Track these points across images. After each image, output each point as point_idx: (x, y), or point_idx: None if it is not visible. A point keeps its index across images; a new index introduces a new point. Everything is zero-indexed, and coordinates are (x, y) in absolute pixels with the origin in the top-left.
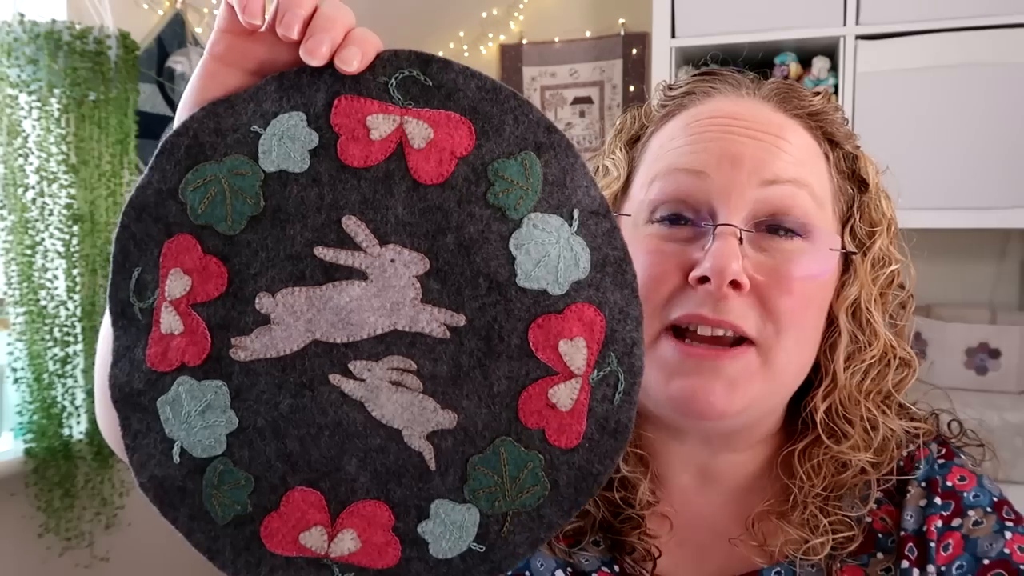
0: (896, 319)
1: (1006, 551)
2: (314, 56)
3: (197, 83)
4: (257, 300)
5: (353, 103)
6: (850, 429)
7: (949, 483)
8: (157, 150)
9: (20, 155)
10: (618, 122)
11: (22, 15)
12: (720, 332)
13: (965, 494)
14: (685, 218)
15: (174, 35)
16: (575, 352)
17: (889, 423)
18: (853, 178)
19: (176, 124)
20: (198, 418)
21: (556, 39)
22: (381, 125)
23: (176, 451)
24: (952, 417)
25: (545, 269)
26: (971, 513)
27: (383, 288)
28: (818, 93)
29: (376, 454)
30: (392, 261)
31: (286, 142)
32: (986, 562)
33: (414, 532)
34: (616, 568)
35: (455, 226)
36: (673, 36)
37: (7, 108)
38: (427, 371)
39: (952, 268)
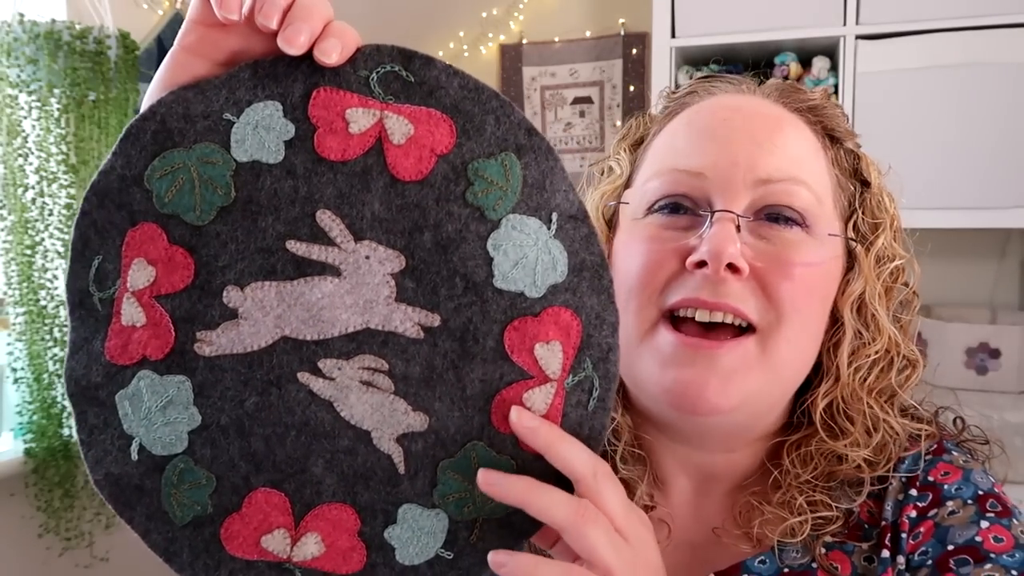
0: (900, 316)
1: (977, 539)
2: (292, 45)
3: (165, 72)
4: (225, 294)
5: (332, 95)
6: (850, 426)
7: (931, 478)
8: (122, 134)
9: (20, 155)
10: (623, 128)
11: (22, 15)
12: (719, 317)
13: (946, 486)
14: (683, 207)
15: (174, 35)
16: (551, 356)
17: (891, 422)
18: (855, 176)
19: (142, 110)
20: (159, 414)
21: (556, 39)
22: (360, 119)
23: (134, 448)
24: (956, 415)
25: (523, 271)
26: (949, 504)
27: (356, 285)
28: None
29: (344, 456)
30: (367, 258)
31: (260, 132)
32: (951, 547)
33: (380, 537)
34: None
35: (433, 224)
36: (673, 36)
37: (7, 108)
38: (399, 371)
39: (952, 268)
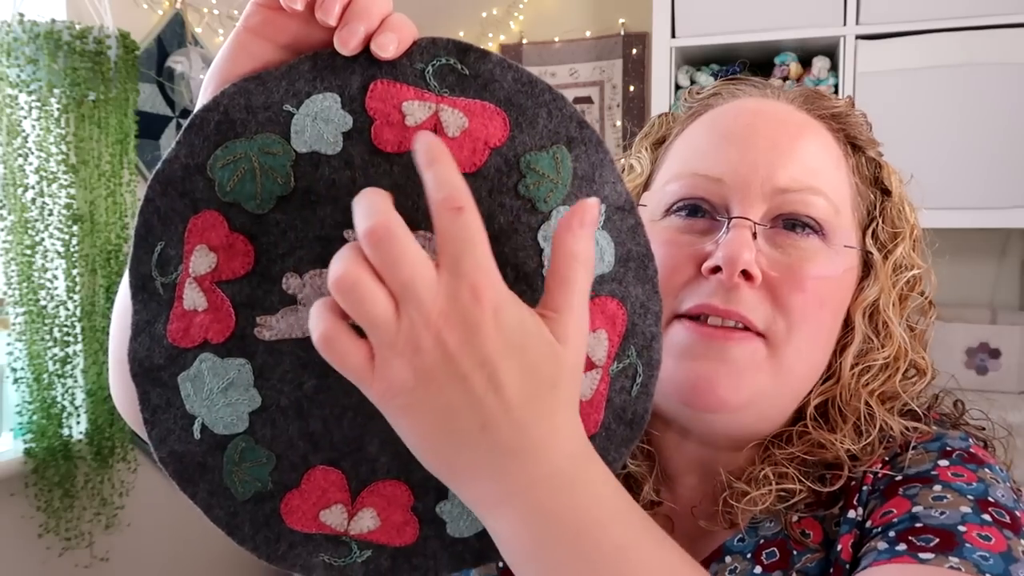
0: (914, 326)
1: (933, 472)
2: (346, 47)
3: (227, 53)
4: (284, 280)
5: (389, 88)
6: (841, 422)
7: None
8: (186, 124)
9: (20, 155)
10: (646, 127)
11: (22, 15)
12: (730, 324)
13: (912, 442)
14: (702, 211)
15: (174, 35)
16: (597, 344)
17: (888, 420)
18: (875, 184)
19: (203, 98)
20: (220, 395)
21: (556, 39)
22: (416, 111)
23: (197, 427)
24: (956, 399)
25: None
26: (911, 453)
27: None
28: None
29: (398, 436)
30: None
31: (319, 123)
32: (900, 478)
33: (432, 512)
34: None
35: (485, 215)
36: (673, 36)
37: (7, 108)
38: None
39: (952, 268)
